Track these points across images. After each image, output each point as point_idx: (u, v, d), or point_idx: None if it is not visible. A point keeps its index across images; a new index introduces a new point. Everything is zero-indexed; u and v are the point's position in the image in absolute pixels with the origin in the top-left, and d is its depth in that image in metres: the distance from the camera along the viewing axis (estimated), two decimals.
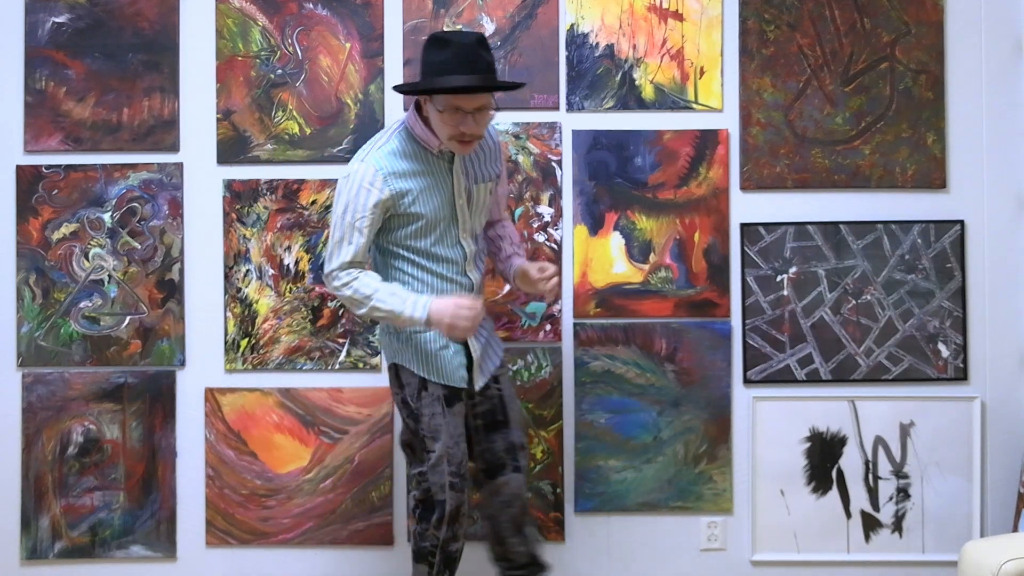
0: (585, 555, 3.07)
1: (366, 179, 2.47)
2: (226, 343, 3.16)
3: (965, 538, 3.07)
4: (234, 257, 3.16)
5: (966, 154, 3.16)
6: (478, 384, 2.63)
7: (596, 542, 3.10)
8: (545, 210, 3.13)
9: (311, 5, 3.17)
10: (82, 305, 3.15)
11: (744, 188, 3.16)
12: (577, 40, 3.15)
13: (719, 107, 3.16)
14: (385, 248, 2.58)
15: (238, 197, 3.16)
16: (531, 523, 2.78)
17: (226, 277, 3.17)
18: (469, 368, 2.61)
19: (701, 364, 3.14)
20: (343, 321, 3.15)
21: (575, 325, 3.13)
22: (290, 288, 3.16)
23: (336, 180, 3.08)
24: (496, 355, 2.71)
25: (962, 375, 3.15)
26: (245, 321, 3.16)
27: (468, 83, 2.40)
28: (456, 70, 2.41)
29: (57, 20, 3.16)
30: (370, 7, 3.17)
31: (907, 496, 3.15)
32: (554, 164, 3.13)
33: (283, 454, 3.14)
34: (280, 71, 3.17)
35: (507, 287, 3.03)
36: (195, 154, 3.17)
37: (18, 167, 3.15)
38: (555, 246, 3.13)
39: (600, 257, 3.14)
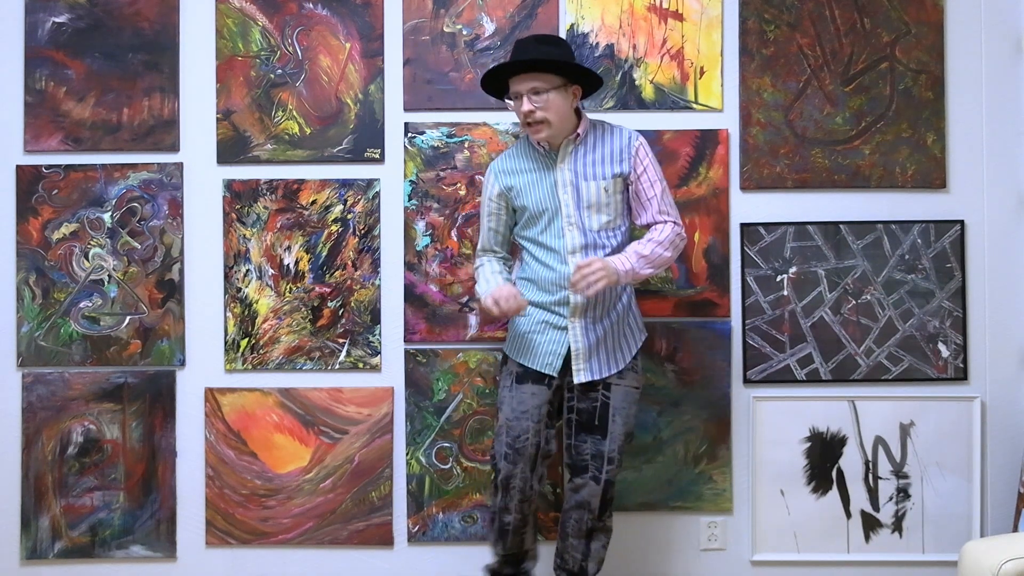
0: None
1: (487, 176, 2.87)
2: (226, 343, 3.16)
3: (965, 538, 3.07)
4: (234, 257, 3.17)
5: (966, 154, 3.17)
6: (579, 377, 2.70)
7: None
8: None
9: (311, 5, 3.17)
10: (82, 305, 3.15)
11: (744, 188, 3.16)
12: (577, 40, 3.15)
13: (719, 107, 3.16)
14: (517, 238, 2.85)
15: (238, 197, 3.16)
16: (601, 540, 2.75)
17: (226, 277, 3.17)
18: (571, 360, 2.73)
19: (701, 364, 3.15)
20: (343, 321, 3.15)
21: None
22: (290, 288, 3.16)
23: (335, 180, 3.10)
24: (616, 362, 2.73)
25: (962, 375, 3.15)
26: (245, 321, 3.16)
27: (505, 60, 2.70)
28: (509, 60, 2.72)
29: (57, 20, 3.16)
30: (370, 7, 3.17)
31: (907, 496, 3.15)
32: None
33: (283, 454, 3.15)
34: (280, 71, 3.17)
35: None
36: (195, 154, 3.17)
37: (18, 167, 3.16)
38: None
39: None
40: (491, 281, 2.79)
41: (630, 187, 2.74)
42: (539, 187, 2.74)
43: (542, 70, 2.63)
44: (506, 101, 2.75)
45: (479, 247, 2.94)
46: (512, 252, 2.95)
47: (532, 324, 2.76)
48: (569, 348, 2.72)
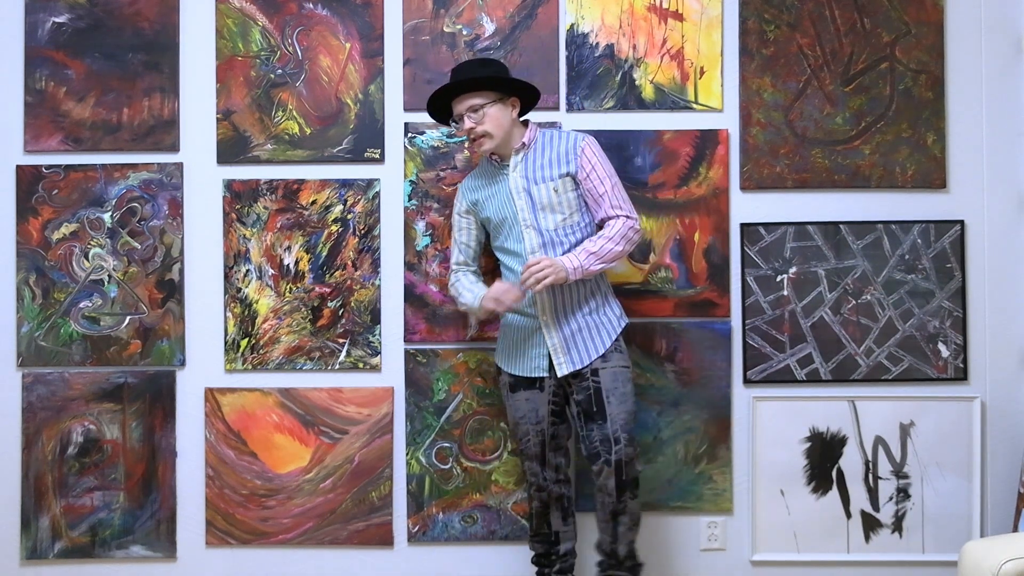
0: (586, 554, 3.07)
1: (456, 195, 3.01)
2: (226, 343, 3.16)
3: (965, 538, 3.07)
4: (234, 257, 3.17)
5: (966, 154, 3.17)
6: (561, 371, 2.80)
7: (592, 539, 3.10)
8: None
9: (311, 5, 3.17)
10: (82, 305, 3.15)
11: (744, 188, 3.16)
12: (577, 40, 3.15)
13: (719, 107, 3.16)
14: (495, 252, 2.96)
15: (238, 197, 3.16)
16: (625, 523, 2.82)
17: (226, 277, 3.17)
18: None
19: (701, 364, 3.15)
20: (343, 321, 3.15)
21: None
22: (290, 288, 3.16)
23: (335, 180, 3.11)
24: (595, 348, 2.80)
25: (962, 375, 3.15)
26: (245, 321, 3.16)
27: (437, 88, 2.84)
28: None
29: (57, 20, 3.16)
30: (370, 7, 3.17)
31: (907, 496, 3.15)
32: None
33: (283, 454, 3.15)
34: (280, 71, 3.17)
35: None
36: (195, 154, 3.17)
37: (18, 167, 3.16)
38: None
39: None
40: (474, 289, 2.89)
41: (580, 186, 2.81)
42: (498, 197, 2.86)
43: (475, 89, 2.78)
44: (451, 124, 2.87)
45: (452, 262, 3.00)
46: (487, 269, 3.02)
47: (514, 332, 2.87)
48: None
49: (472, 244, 2.97)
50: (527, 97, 2.87)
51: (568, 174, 2.80)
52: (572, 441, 2.99)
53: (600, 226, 2.83)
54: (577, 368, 2.79)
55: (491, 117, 2.78)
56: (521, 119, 2.88)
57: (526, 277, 2.68)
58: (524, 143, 2.83)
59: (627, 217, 2.79)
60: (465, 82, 2.78)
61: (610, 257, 2.76)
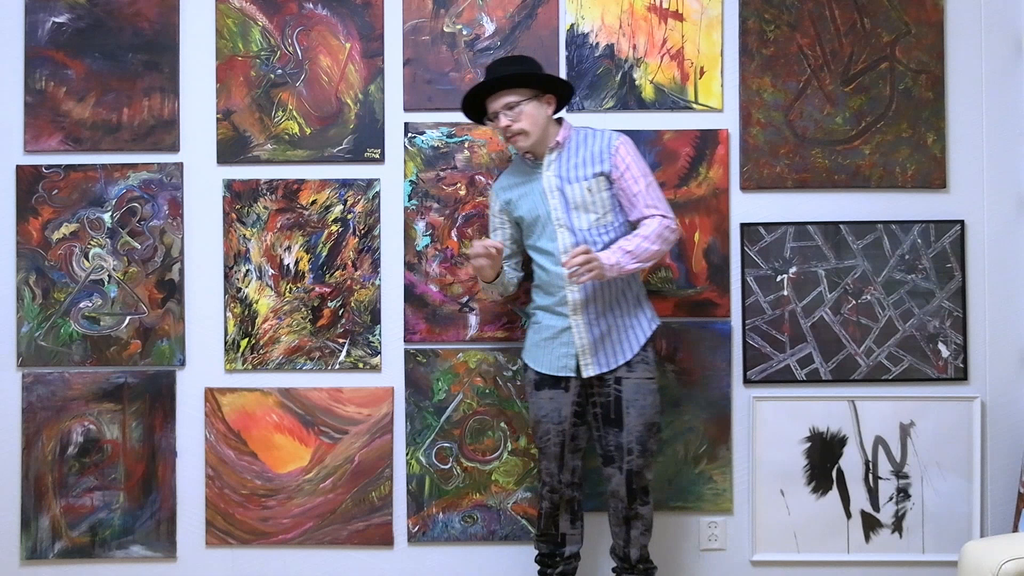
0: (586, 555, 3.07)
1: (490, 194, 3.03)
2: (226, 343, 3.16)
3: (965, 538, 3.08)
4: (234, 257, 3.17)
5: (966, 154, 3.17)
6: (587, 372, 2.79)
7: (597, 542, 3.10)
8: None
9: (311, 5, 3.17)
10: (82, 305, 3.15)
11: (744, 188, 3.16)
12: (577, 40, 3.15)
13: (719, 107, 3.16)
14: (527, 250, 2.94)
15: (238, 197, 3.16)
16: (638, 527, 2.83)
17: (226, 277, 3.17)
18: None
19: (701, 364, 3.15)
20: (343, 321, 3.15)
21: None
22: (290, 288, 3.16)
23: (335, 180, 3.11)
24: (622, 353, 2.79)
25: (962, 375, 3.15)
26: (245, 321, 3.16)
27: (472, 84, 2.85)
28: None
29: (57, 20, 3.16)
30: (370, 7, 3.17)
31: (907, 496, 3.15)
32: None
33: (283, 454, 3.15)
34: (280, 71, 3.17)
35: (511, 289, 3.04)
36: (195, 154, 3.17)
37: (18, 167, 3.16)
38: None
39: None
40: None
41: (614, 185, 2.80)
42: (531, 196, 2.84)
43: (511, 86, 2.76)
44: (486, 122, 2.87)
45: None
46: (524, 266, 3.00)
47: (544, 330, 2.86)
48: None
49: (506, 243, 2.94)
50: (562, 95, 2.85)
51: (602, 173, 2.78)
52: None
53: (634, 226, 2.81)
54: (603, 371, 2.79)
55: (527, 115, 2.76)
56: (555, 117, 2.85)
57: (572, 257, 2.61)
58: (558, 141, 2.81)
59: (663, 216, 2.77)
60: (501, 79, 2.76)
61: (646, 256, 2.73)
